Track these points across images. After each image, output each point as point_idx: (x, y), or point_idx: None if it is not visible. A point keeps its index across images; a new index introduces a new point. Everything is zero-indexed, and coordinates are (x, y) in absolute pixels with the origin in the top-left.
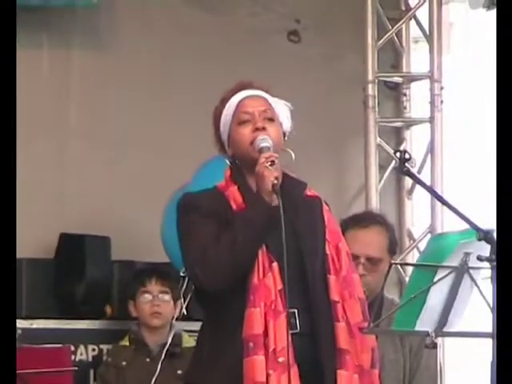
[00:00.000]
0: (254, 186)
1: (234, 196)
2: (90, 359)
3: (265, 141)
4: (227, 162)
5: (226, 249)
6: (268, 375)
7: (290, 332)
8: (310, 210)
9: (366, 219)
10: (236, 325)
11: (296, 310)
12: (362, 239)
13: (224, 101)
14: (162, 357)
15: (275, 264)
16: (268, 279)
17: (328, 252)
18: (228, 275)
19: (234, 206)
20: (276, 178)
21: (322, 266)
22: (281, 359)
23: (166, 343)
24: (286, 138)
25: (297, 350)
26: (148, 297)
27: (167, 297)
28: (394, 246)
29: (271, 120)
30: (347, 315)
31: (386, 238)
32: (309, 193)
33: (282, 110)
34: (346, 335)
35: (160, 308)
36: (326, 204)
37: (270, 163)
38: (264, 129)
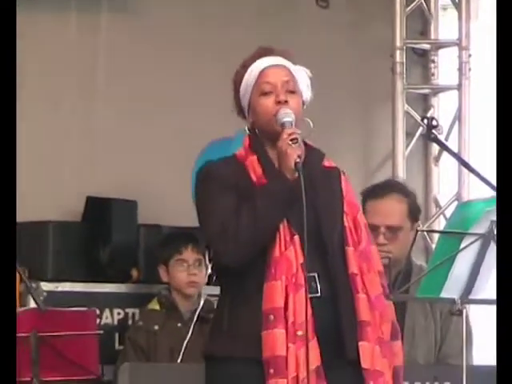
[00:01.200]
0: (273, 157)
1: (254, 167)
2: (116, 323)
3: (288, 115)
4: (246, 129)
5: (247, 224)
6: (287, 348)
7: (310, 296)
8: (328, 182)
9: (384, 189)
10: (255, 297)
11: (316, 274)
12: (380, 209)
13: (245, 66)
14: (194, 320)
15: (296, 237)
16: (289, 252)
17: (346, 224)
18: (249, 251)
19: (254, 178)
20: (298, 156)
21: (340, 238)
22: (299, 332)
23: (197, 309)
24: (305, 107)
25: (317, 320)
26: (184, 265)
27: (201, 264)
28: (415, 212)
29: (293, 92)
30: (367, 288)
31: (406, 205)
32: (327, 163)
33: (303, 79)
34: (366, 307)
35: (196, 277)
36: (344, 174)
37: (292, 140)
38: (286, 102)
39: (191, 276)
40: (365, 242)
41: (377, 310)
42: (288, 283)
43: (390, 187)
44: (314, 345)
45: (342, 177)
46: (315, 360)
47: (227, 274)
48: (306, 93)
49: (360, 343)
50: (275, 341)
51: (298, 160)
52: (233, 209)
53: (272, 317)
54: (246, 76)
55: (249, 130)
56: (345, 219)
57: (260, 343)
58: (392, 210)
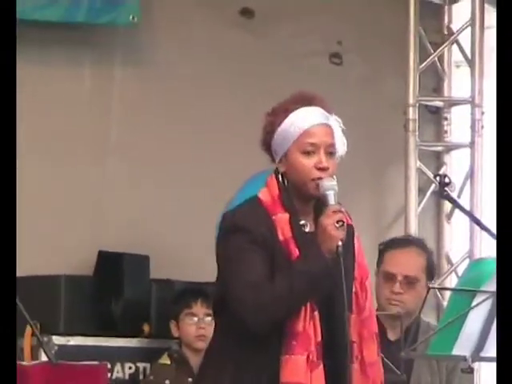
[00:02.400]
0: (303, 216)
1: (283, 227)
2: (127, 377)
3: (331, 187)
4: (275, 175)
5: (281, 297)
6: None
7: None
8: (346, 244)
9: (405, 241)
10: (267, 366)
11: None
12: (399, 258)
13: (287, 110)
14: None
15: (316, 313)
16: (310, 328)
17: (354, 290)
18: (277, 322)
19: (281, 237)
20: (341, 239)
21: (347, 305)
22: None
23: None
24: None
25: None
26: (194, 319)
27: (211, 318)
28: (431, 269)
29: (332, 153)
30: (363, 355)
31: (424, 260)
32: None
33: (339, 134)
34: (358, 377)
35: (205, 331)
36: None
37: (338, 222)
38: (328, 168)
39: (200, 330)
40: (368, 308)
41: (370, 377)
42: (306, 360)
43: (411, 241)
44: None
45: (356, 235)
46: None
47: (243, 333)
48: (341, 149)
49: None
50: None
51: (340, 244)
52: (263, 271)
53: None
54: (286, 124)
55: (281, 175)
56: (354, 285)
57: None
58: (411, 261)
